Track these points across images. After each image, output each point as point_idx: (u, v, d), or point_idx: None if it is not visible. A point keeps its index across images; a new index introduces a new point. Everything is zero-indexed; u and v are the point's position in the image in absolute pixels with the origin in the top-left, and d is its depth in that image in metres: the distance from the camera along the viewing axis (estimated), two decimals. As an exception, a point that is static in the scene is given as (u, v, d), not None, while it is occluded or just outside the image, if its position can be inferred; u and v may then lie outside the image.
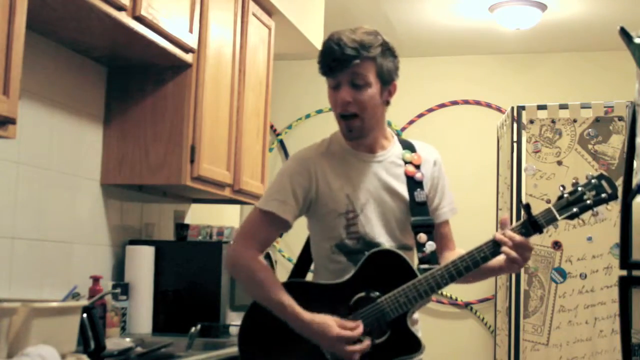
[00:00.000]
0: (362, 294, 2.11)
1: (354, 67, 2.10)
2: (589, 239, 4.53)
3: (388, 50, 2.16)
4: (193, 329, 2.84)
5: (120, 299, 3.05)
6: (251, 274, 2.15)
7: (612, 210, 4.40)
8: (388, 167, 2.23)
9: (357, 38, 2.10)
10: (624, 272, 2.44)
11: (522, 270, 4.61)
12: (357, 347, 2.05)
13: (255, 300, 2.18)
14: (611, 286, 4.44)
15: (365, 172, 2.21)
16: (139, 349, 2.63)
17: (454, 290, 5.42)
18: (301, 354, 2.12)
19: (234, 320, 3.23)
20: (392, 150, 2.25)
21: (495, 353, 5.11)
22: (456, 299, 5.45)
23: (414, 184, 2.22)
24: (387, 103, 2.22)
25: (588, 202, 2.11)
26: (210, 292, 3.23)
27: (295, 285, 2.16)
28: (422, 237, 2.19)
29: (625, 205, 2.30)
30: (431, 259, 2.17)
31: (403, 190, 2.22)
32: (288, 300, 2.08)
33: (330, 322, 2.05)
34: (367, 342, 2.06)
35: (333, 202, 2.18)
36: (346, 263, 2.17)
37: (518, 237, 2.08)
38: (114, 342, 2.62)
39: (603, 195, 2.11)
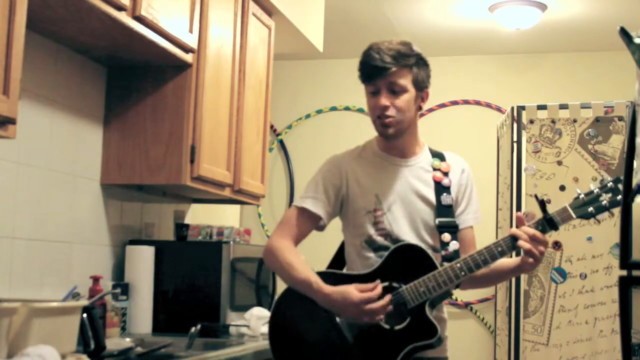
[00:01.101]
0: (386, 283, 2.25)
1: (392, 75, 2.30)
2: (589, 239, 4.53)
3: (421, 60, 2.39)
4: (193, 329, 2.84)
5: (120, 299, 3.05)
6: (283, 257, 2.33)
7: (612, 216, 4.40)
8: (417, 172, 2.40)
9: (394, 48, 2.31)
10: (624, 272, 2.43)
11: (522, 274, 4.61)
12: (379, 303, 2.19)
13: (285, 281, 2.36)
14: (611, 286, 4.44)
15: (394, 174, 2.39)
16: (139, 349, 2.63)
17: (454, 290, 5.42)
18: (321, 336, 2.27)
19: (234, 320, 3.23)
20: (422, 157, 2.43)
21: (495, 353, 5.11)
22: (456, 299, 5.45)
23: (441, 188, 2.39)
24: (420, 109, 2.42)
25: (604, 203, 2.23)
26: (210, 292, 3.23)
27: (323, 274, 2.32)
28: (446, 236, 2.33)
29: (625, 205, 2.29)
30: (454, 257, 2.31)
31: (430, 194, 2.37)
32: (314, 277, 2.27)
33: (350, 289, 2.21)
34: (386, 299, 2.20)
35: (362, 200, 2.36)
36: (374, 258, 2.34)
37: (533, 231, 2.21)
38: (114, 342, 2.62)
39: (619, 197, 2.20)
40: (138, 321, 3.16)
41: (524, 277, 4.62)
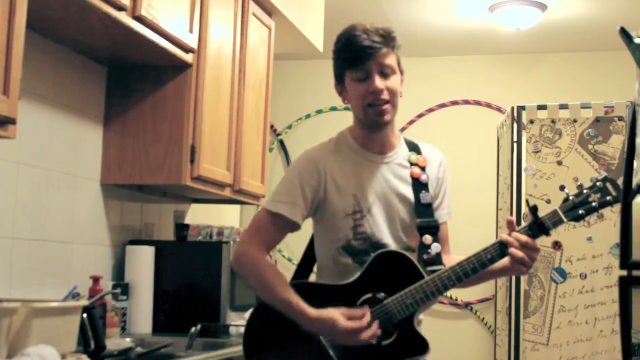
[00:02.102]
0: (369, 295, 2.11)
1: (382, 56, 2.14)
2: (589, 239, 4.53)
3: (398, 41, 2.21)
4: (193, 329, 2.84)
5: (120, 299, 3.05)
6: (258, 273, 2.15)
7: (613, 211, 4.40)
8: (395, 168, 2.25)
9: (379, 27, 2.15)
10: (624, 272, 2.43)
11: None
12: (368, 333, 2.04)
13: (262, 298, 2.18)
14: (611, 286, 4.44)
15: (372, 173, 2.22)
16: (139, 349, 2.64)
17: (454, 290, 5.41)
18: (305, 355, 2.13)
19: (234, 320, 3.23)
20: (400, 152, 2.27)
21: (495, 353, 5.11)
22: (456, 299, 5.45)
23: (419, 185, 2.24)
24: (401, 94, 2.24)
25: (593, 204, 2.12)
26: (210, 292, 3.23)
27: (301, 286, 2.16)
28: (428, 238, 2.20)
29: (625, 205, 2.29)
30: (437, 260, 2.18)
31: (409, 192, 2.23)
32: (294, 297, 2.08)
33: (337, 316, 2.04)
34: (374, 327, 2.06)
35: (341, 202, 2.18)
36: (352, 264, 2.18)
37: (524, 238, 2.08)
38: (114, 342, 2.62)
39: (608, 197, 2.12)
40: (138, 321, 3.16)
41: (524, 277, 4.62)
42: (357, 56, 2.14)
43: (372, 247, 2.18)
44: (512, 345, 4.58)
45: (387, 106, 2.17)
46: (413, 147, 2.30)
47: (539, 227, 2.10)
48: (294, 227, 2.20)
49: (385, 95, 2.15)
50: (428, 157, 2.29)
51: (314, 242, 2.30)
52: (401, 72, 2.21)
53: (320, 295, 2.12)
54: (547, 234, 2.11)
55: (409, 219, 2.22)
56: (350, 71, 2.17)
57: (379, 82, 2.14)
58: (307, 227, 2.31)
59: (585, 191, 2.13)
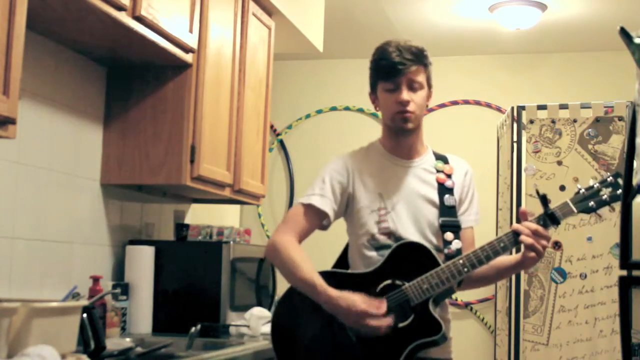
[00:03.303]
0: (389, 281, 2.27)
1: (412, 72, 2.35)
2: (589, 239, 4.53)
3: (430, 60, 2.44)
4: (193, 329, 2.84)
5: (120, 299, 3.05)
6: (287, 255, 2.31)
7: (612, 211, 4.40)
8: (421, 173, 2.43)
9: (412, 46, 2.37)
10: (624, 272, 2.43)
11: (522, 270, 4.62)
12: (382, 322, 2.19)
13: (288, 280, 2.34)
14: (611, 286, 4.44)
15: (399, 175, 2.41)
16: (139, 349, 2.64)
17: (456, 288, 5.42)
18: (328, 334, 2.27)
19: (234, 320, 3.23)
20: (426, 158, 2.46)
21: (495, 353, 5.11)
22: (456, 299, 5.45)
23: (444, 190, 2.41)
24: (427, 107, 2.47)
25: (604, 197, 2.25)
26: (210, 292, 3.23)
27: (326, 274, 2.30)
28: (449, 235, 2.35)
29: (625, 205, 2.29)
30: (456, 255, 2.32)
31: (434, 195, 2.39)
32: (318, 279, 2.25)
33: (356, 298, 2.20)
34: (389, 319, 2.20)
35: (367, 198, 2.37)
36: (376, 257, 2.34)
37: (535, 225, 2.23)
38: (114, 342, 2.62)
39: (619, 192, 2.24)
40: (138, 321, 3.16)
41: (524, 277, 4.62)
42: (388, 71, 2.35)
43: (396, 241, 2.33)
44: (512, 345, 4.58)
45: (411, 115, 2.35)
46: (440, 157, 2.48)
47: (549, 218, 2.25)
48: (323, 218, 2.38)
49: (411, 107, 2.35)
50: (454, 167, 2.46)
51: (349, 244, 2.47)
52: (429, 87, 2.43)
53: (343, 282, 2.27)
54: (558, 223, 2.26)
55: (434, 220, 2.37)
56: (382, 82, 2.38)
57: (406, 94, 2.34)
58: (338, 238, 2.50)
59: (596, 185, 2.26)
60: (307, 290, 2.26)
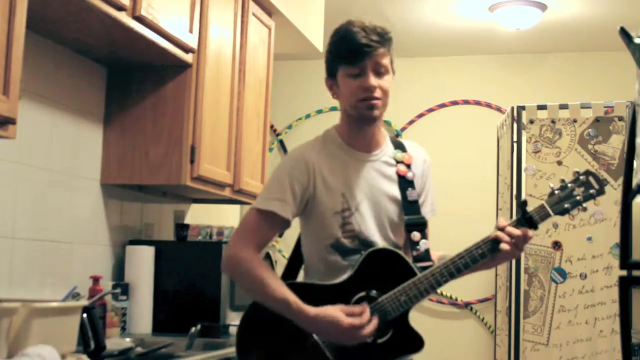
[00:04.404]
0: (362, 293, 2.11)
1: (378, 55, 2.15)
2: (589, 239, 4.53)
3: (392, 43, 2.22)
4: (193, 329, 2.84)
5: (120, 299, 3.05)
6: (251, 273, 2.12)
7: (611, 210, 4.41)
8: (381, 167, 2.25)
9: (377, 26, 2.18)
10: (624, 272, 2.44)
11: (522, 270, 4.62)
12: (370, 328, 2.06)
13: (256, 298, 2.16)
14: (611, 286, 4.43)
15: (360, 171, 2.22)
16: (139, 349, 2.64)
17: (454, 290, 5.42)
18: (300, 355, 2.12)
19: (234, 320, 3.23)
20: (386, 150, 2.28)
21: (495, 353, 5.11)
22: (456, 299, 5.45)
23: (405, 183, 2.25)
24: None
25: (578, 197, 2.16)
26: (210, 292, 3.23)
27: (293, 286, 2.13)
28: (416, 235, 2.20)
29: (625, 205, 2.30)
30: (426, 257, 2.19)
31: (395, 191, 2.24)
32: (292, 296, 2.07)
33: (337, 314, 2.04)
34: (375, 321, 2.07)
35: (330, 200, 2.18)
36: (341, 262, 2.17)
37: (516, 231, 2.12)
38: (114, 342, 2.62)
39: (591, 191, 2.17)
40: (138, 321, 3.16)
41: (524, 277, 4.62)
42: (354, 53, 2.14)
43: (362, 244, 2.18)
44: (512, 345, 4.58)
45: (377, 102, 2.16)
46: (398, 145, 2.31)
47: (527, 222, 2.15)
48: (285, 224, 2.17)
49: (377, 93, 2.15)
50: (413, 155, 2.30)
51: (301, 242, 2.29)
52: (394, 71, 2.23)
53: (312, 295, 2.11)
54: (535, 227, 2.16)
55: (397, 217, 2.23)
56: (345, 67, 2.17)
57: (373, 79, 2.14)
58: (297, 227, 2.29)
59: (569, 185, 2.18)
60: (281, 309, 2.08)
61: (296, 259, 2.31)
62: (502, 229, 2.13)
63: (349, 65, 2.16)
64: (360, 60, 2.14)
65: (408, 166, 2.27)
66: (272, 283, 2.10)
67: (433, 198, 2.33)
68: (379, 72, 2.16)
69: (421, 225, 2.23)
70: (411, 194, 2.24)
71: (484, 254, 2.12)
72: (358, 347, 2.08)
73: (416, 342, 2.12)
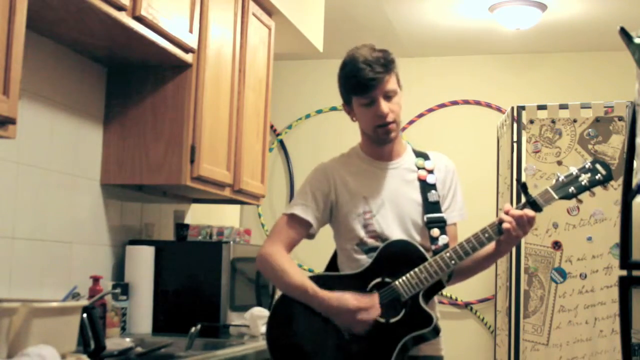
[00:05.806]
0: (378, 279, 2.30)
1: (385, 84, 2.34)
2: (589, 239, 4.53)
3: (395, 62, 2.41)
4: (193, 329, 2.84)
5: (120, 299, 3.05)
6: (274, 265, 2.36)
7: (611, 210, 4.41)
8: (402, 173, 2.44)
9: (379, 56, 2.34)
10: (624, 272, 2.43)
11: (522, 270, 4.62)
12: (370, 313, 2.25)
13: (280, 288, 2.40)
14: (611, 286, 4.44)
15: (381, 177, 2.43)
16: (139, 349, 2.64)
17: (454, 290, 5.42)
18: (324, 342, 2.31)
19: (234, 320, 3.23)
20: (406, 158, 2.48)
21: (495, 353, 5.11)
22: (456, 299, 5.45)
23: (426, 186, 2.43)
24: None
25: (584, 182, 2.27)
26: (210, 292, 3.23)
27: (315, 277, 2.37)
28: (435, 231, 2.37)
29: (625, 205, 2.30)
30: (444, 250, 2.33)
31: (416, 194, 2.42)
32: (309, 283, 2.31)
33: (347, 297, 2.26)
34: (378, 308, 2.26)
35: (351, 203, 2.40)
36: (366, 260, 2.37)
37: (517, 212, 2.25)
38: (114, 342, 2.62)
39: (598, 176, 2.27)
40: (138, 321, 3.16)
41: (524, 277, 4.62)
42: (362, 87, 2.34)
43: (383, 243, 2.36)
44: (512, 345, 4.58)
45: (392, 125, 2.37)
46: (421, 155, 2.50)
47: (531, 205, 2.27)
48: (308, 227, 2.41)
49: (390, 118, 2.36)
50: (436, 163, 2.47)
51: (336, 250, 2.49)
52: (401, 86, 2.41)
53: (333, 284, 2.33)
54: (540, 210, 2.27)
55: (420, 220, 2.39)
56: (357, 97, 2.38)
57: (384, 106, 2.34)
58: (326, 244, 2.53)
59: (575, 172, 2.29)
60: (299, 295, 2.32)
61: (331, 270, 2.51)
62: (506, 213, 2.27)
63: (360, 96, 2.36)
64: (369, 92, 2.34)
65: (430, 172, 2.45)
66: (292, 273, 2.34)
67: (462, 204, 2.49)
68: (389, 97, 2.35)
69: (440, 222, 2.39)
70: (432, 196, 2.42)
71: (491, 237, 2.27)
72: (372, 327, 2.26)
73: (426, 320, 2.28)
